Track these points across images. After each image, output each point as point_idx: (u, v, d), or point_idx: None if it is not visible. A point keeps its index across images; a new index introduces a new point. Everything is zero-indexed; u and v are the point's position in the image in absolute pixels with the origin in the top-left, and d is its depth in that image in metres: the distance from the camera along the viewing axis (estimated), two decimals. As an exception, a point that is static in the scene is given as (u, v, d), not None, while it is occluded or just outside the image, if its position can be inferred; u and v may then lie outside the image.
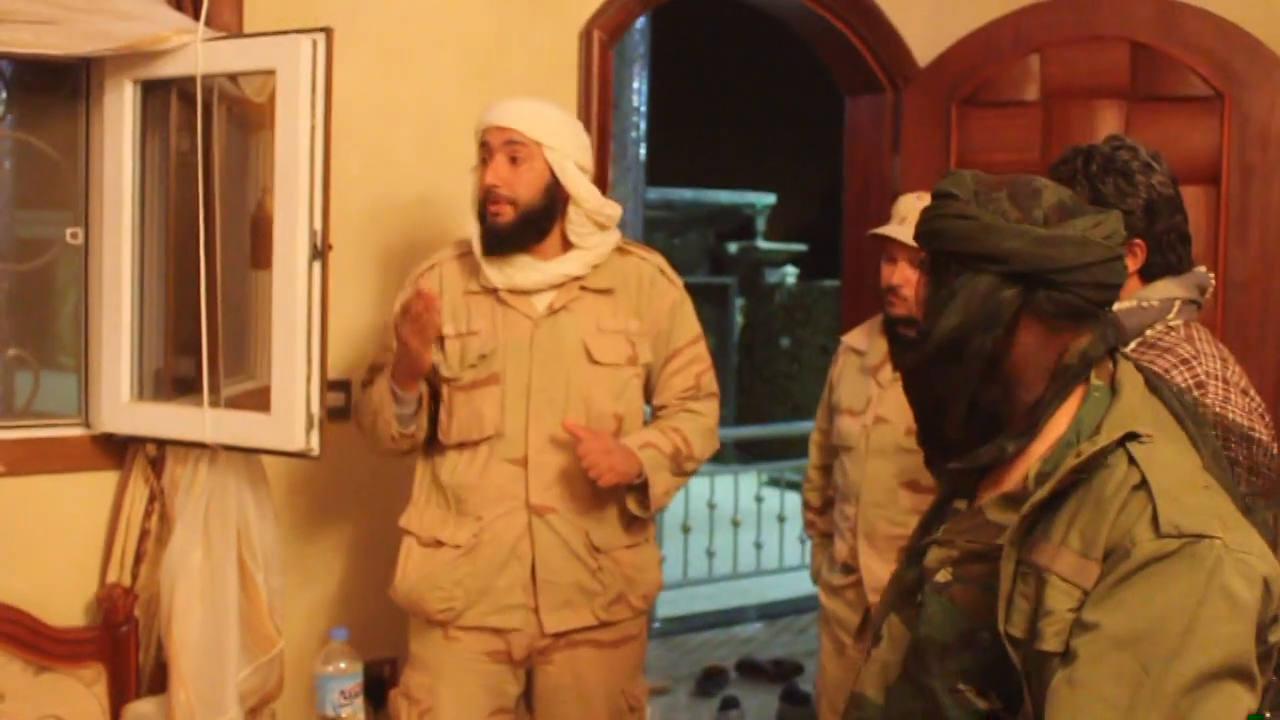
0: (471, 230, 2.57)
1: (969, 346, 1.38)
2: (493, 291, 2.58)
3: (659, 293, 2.67)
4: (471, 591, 2.56)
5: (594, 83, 3.37)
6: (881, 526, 2.96)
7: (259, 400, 2.64)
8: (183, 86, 2.69)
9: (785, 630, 6.57)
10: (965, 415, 1.41)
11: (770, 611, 6.79)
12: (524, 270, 2.56)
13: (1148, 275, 2.20)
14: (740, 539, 6.94)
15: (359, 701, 2.49)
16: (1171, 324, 2.16)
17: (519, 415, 2.55)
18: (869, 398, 3.02)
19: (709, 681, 5.46)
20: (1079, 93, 3.63)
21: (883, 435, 2.97)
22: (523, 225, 2.52)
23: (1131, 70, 3.57)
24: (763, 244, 14.06)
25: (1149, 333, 2.15)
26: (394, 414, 2.54)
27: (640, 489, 2.57)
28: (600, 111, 3.36)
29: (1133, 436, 1.31)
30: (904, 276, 2.90)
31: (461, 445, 2.58)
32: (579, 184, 2.54)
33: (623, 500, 2.58)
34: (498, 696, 2.62)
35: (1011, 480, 1.41)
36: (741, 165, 14.20)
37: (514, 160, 2.51)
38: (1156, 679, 1.17)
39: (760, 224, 14.14)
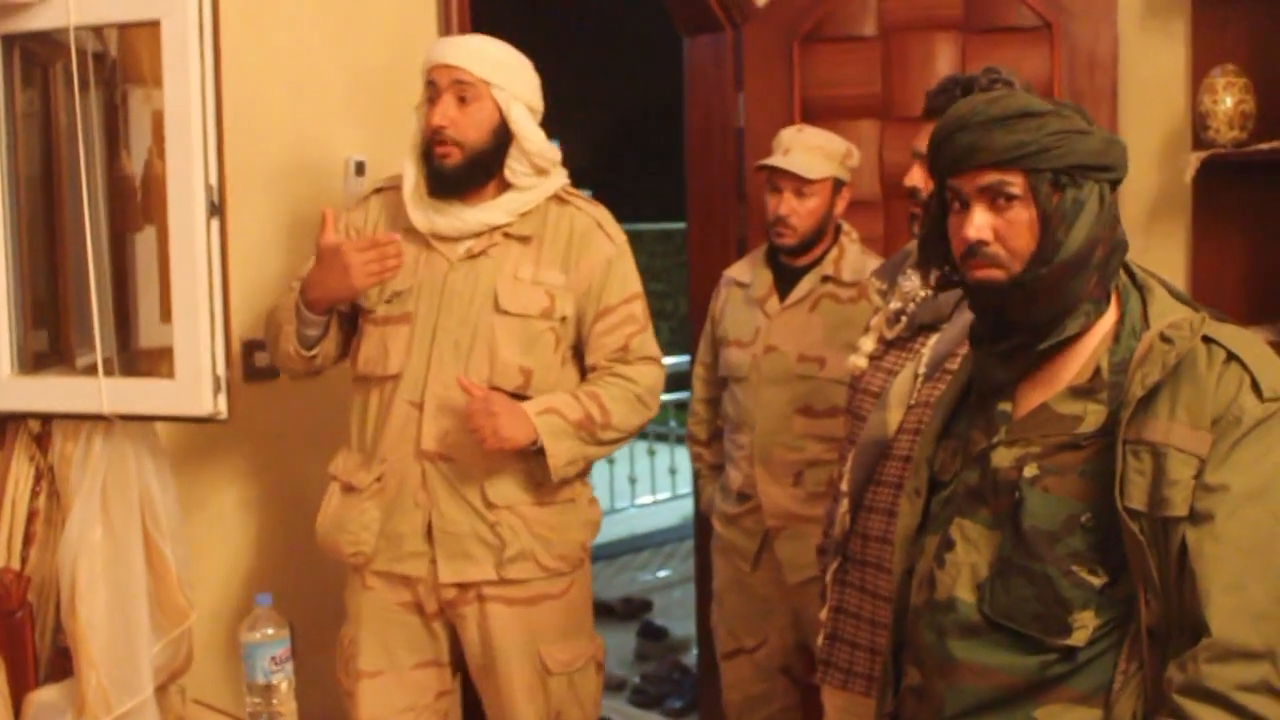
0: (408, 170, 2.52)
1: (1094, 254, 1.46)
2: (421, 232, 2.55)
3: (593, 247, 2.56)
4: (378, 536, 2.54)
5: (453, 16, 3.32)
6: (777, 452, 3.06)
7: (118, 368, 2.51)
8: (25, 43, 2.53)
9: (624, 570, 6.69)
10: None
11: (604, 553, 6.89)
12: (446, 215, 2.52)
13: None
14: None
15: (290, 666, 2.43)
16: None
17: (422, 358, 2.50)
18: (757, 328, 3.11)
19: (562, 625, 5.51)
20: (916, 25, 3.77)
21: (774, 363, 3.06)
22: (470, 167, 2.48)
23: (965, 3, 3.73)
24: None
25: None
26: (294, 330, 2.48)
27: (540, 455, 2.48)
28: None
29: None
30: (791, 207, 2.99)
31: (365, 380, 2.56)
32: (526, 126, 2.50)
33: (527, 457, 2.50)
34: (418, 650, 2.60)
35: (1064, 377, 1.51)
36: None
37: (462, 100, 2.45)
38: None
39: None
